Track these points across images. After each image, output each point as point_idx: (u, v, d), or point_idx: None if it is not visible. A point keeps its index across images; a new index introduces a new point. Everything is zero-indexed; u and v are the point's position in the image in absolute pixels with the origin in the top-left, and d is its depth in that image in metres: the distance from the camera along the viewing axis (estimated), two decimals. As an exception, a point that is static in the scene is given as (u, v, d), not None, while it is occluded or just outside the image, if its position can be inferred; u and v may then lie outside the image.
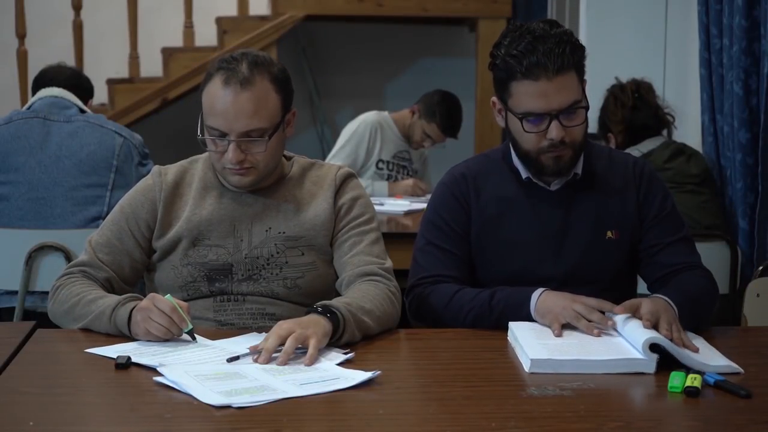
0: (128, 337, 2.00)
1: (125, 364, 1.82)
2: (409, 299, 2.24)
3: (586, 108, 2.14)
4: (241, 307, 2.18)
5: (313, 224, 2.22)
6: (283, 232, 2.20)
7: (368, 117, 4.68)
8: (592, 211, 2.22)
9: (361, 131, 4.62)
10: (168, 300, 1.97)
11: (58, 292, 2.15)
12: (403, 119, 4.70)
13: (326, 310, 1.95)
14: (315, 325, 1.91)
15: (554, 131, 2.10)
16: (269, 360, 1.83)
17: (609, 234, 2.22)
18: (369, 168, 4.64)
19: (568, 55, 2.08)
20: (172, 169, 2.28)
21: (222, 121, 2.11)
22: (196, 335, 2.00)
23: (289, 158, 2.32)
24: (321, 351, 1.90)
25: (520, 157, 2.21)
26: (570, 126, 2.11)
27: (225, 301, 2.19)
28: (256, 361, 1.83)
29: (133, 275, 2.24)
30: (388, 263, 2.23)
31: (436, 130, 4.59)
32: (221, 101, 2.10)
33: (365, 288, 2.13)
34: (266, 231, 2.20)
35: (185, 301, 2.18)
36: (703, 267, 2.25)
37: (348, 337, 1.97)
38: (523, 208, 2.22)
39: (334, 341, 1.94)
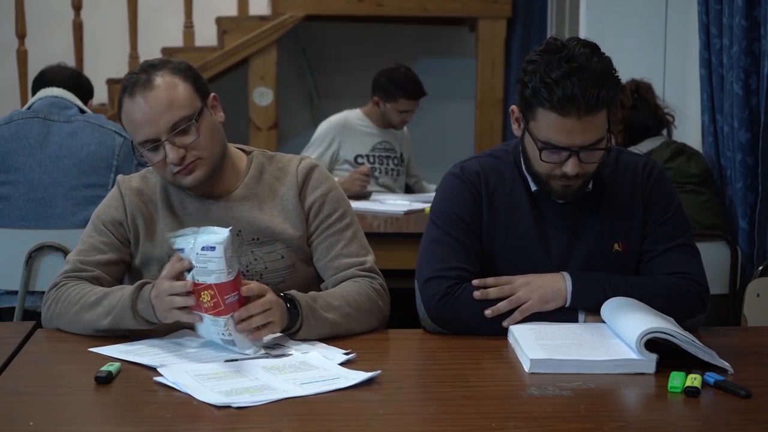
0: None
1: (105, 378, 1.75)
2: (429, 292, 2.10)
3: (608, 149, 2.07)
4: None
5: (284, 227, 2.18)
6: (257, 239, 2.17)
7: (332, 118, 4.80)
8: (599, 223, 2.16)
9: (323, 132, 4.73)
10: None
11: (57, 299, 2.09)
12: (375, 110, 4.78)
13: (288, 300, 1.97)
14: (282, 314, 1.93)
15: (570, 166, 2.04)
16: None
17: (616, 246, 2.15)
18: (341, 166, 4.71)
19: (604, 93, 1.97)
20: (135, 179, 2.24)
21: (147, 128, 2.08)
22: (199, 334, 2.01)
23: (248, 153, 2.28)
24: (321, 351, 1.91)
25: (529, 173, 2.15)
26: (587, 162, 2.05)
27: None
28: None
29: (121, 272, 2.20)
30: (369, 261, 2.19)
31: (405, 103, 4.70)
32: (137, 111, 2.08)
33: (344, 285, 2.13)
34: (237, 235, 2.15)
35: None
36: (693, 275, 2.13)
37: (304, 334, 1.98)
38: (530, 221, 2.16)
39: (290, 334, 1.96)
